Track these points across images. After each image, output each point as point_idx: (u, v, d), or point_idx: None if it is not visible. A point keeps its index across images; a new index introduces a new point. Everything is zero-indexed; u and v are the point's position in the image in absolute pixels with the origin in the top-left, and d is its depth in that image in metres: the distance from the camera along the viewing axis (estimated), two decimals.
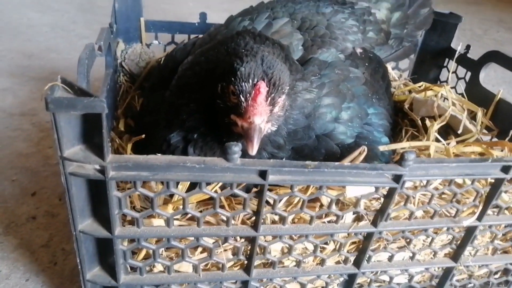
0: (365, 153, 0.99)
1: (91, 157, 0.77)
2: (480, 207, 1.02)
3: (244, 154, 0.83)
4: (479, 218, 1.03)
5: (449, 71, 1.72)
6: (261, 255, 0.97)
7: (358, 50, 1.31)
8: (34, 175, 1.53)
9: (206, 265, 1.00)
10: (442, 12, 1.71)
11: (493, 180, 0.97)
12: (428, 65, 1.81)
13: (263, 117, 0.87)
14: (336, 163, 0.84)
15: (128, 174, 0.79)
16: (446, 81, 1.74)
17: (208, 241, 0.93)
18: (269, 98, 0.88)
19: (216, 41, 1.12)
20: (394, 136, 1.46)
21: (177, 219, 0.94)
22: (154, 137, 1.06)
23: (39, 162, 1.61)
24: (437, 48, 1.77)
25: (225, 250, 0.97)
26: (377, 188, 0.90)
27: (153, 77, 1.37)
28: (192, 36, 1.67)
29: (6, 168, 1.55)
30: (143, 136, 1.04)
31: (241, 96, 0.87)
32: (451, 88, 1.69)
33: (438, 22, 1.70)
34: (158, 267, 0.98)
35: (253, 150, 0.86)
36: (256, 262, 0.99)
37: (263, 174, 0.82)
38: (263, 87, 0.87)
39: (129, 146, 1.10)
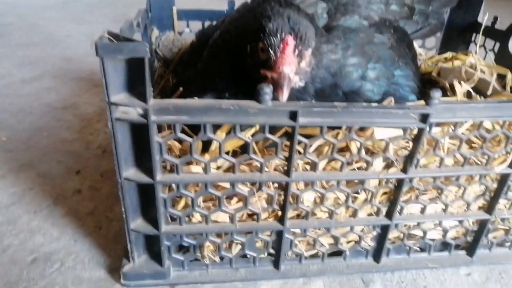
0: (392, 103, 1.02)
1: (134, 101, 0.84)
2: None
3: None
4: None
5: (476, 45, 1.72)
6: (294, 204, 1.01)
7: (382, 18, 1.35)
8: (78, 157, 1.63)
9: (242, 216, 1.04)
10: None
11: None
12: (455, 41, 1.81)
13: (291, 67, 0.92)
14: (364, 103, 0.87)
15: (168, 118, 0.85)
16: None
17: (243, 189, 0.98)
18: (297, 51, 0.93)
19: (244, 9, 1.19)
20: None
21: (213, 168, 0.99)
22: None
23: (81, 146, 1.71)
24: (463, 24, 1.77)
25: (259, 198, 1.01)
26: (405, 130, 0.92)
27: (186, 54, 1.45)
28: None
29: (52, 152, 1.66)
30: (181, 89, 1.10)
31: (270, 50, 0.92)
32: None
33: None
34: (196, 217, 1.03)
35: (284, 96, 0.90)
36: (289, 212, 1.03)
37: (293, 117, 0.86)
38: (290, 40, 0.92)
39: None
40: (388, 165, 0.99)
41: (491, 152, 1.00)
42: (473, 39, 1.77)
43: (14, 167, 1.54)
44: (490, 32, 1.65)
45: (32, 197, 1.39)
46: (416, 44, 1.78)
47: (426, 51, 1.86)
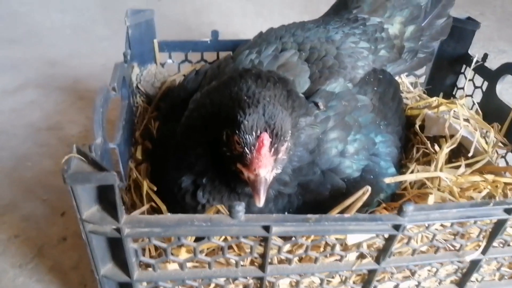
0: (368, 193, 1.02)
1: (107, 218, 0.84)
2: (484, 242, 1.04)
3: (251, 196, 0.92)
4: (484, 252, 1.05)
5: (466, 78, 1.69)
6: None
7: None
8: (62, 194, 1.62)
9: None
10: (459, 18, 1.66)
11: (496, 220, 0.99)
12: (445, 71, 1.77)
13: (268, 168, 0.91)
14: (336, 216, 0.88)
15: (142, 231, 0.86)
16: (463, 88, 1.71)
17: (220, 280, 1.00)
18: (273, 149, 0.92)
19: (221, 81, 1.15)
20: (406, 152, 1.47)
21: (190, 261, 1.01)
22: (165, 171, 1.13)
23: None
24: (454, 54, 1.73)
25: (236, 286, 1.04)
26: (377, 234, 0.93)
27: (166, 106, 1.42)
28: (205, 53, 1.71)
29: (37, 187, 1.65)
30: (155, 188, 1.11)
31: (245, 148, 0.91)
32: (468, 96, 1.67)
33: (455, 28, 1.65)
34: None
35: (260, 202, 0.90)
36: None
37: (267, 228, 0.87)
38: (266, 139, 0.90)
39: (145, 184, 1.17)
40: (362, 255, 1.01)
41: (464, 240, 1.03)
42: (463, 70, 1.73)
43: None
44: (480, 69, 1.61)
45: (17, 247, 1.41)
46: (404, 74, 1.75)
47: (415, 79, 1.82)
